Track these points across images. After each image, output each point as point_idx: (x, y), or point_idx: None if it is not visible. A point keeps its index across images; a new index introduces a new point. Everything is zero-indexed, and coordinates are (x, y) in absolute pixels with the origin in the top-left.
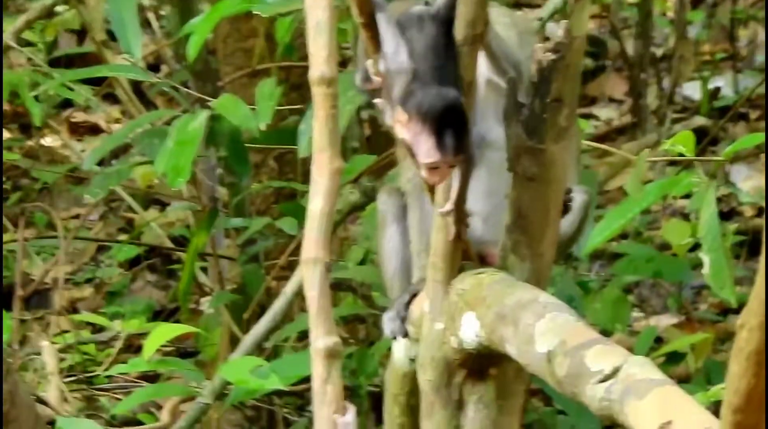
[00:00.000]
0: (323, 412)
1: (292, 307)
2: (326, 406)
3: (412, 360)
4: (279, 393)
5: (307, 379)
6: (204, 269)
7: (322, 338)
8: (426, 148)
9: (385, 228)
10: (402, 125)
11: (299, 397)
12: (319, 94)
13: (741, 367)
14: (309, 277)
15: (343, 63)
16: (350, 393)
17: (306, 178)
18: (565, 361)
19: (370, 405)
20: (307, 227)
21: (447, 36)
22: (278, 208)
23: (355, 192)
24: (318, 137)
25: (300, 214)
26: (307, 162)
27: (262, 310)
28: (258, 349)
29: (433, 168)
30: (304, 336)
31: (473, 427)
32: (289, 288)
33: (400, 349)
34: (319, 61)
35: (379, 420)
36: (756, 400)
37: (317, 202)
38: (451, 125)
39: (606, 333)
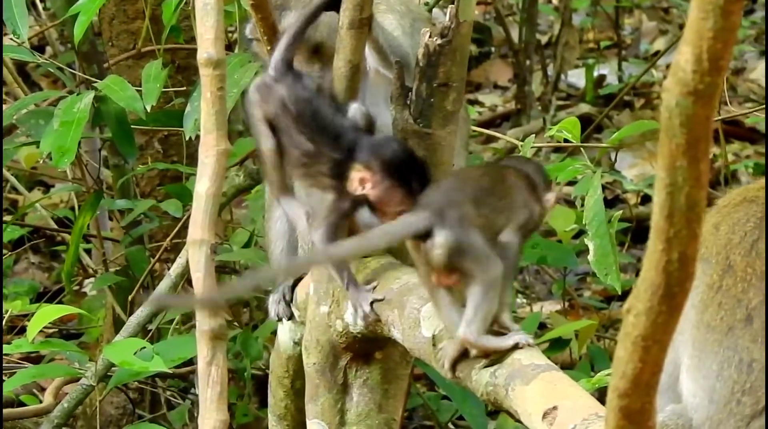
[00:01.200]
0: (208, 394)
1: (177, 289)
2: (211, 388)
3: (297, 343)
4: (163, 375)
5: (190, 362)
6: (88, 251)
7: (207, 320)
8: (399, 198)
9: (272, 211)
10: (364, 181)
11: (183, 380)
12: (206, 75)
13: (627, 351)
14: (195, 258)
15: (230, 46)
16: (234, 376)
17: (191, 161)
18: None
19: (254, 388)
20: (194, 209)
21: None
22: (163, 190)
23: (241, 175)
24: (205, 119)
25: (185, 197)
26: (192, 144)
27: (146, 291)
28: (142, 331)
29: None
30: (188, 319)
31: (358, 411)
32: (173, 270)
33: (284, 332)
34: (207, 43)
35: (264, 403)
36: (642, 384)
37: (204, 183)
38: (414, 172)
39: None
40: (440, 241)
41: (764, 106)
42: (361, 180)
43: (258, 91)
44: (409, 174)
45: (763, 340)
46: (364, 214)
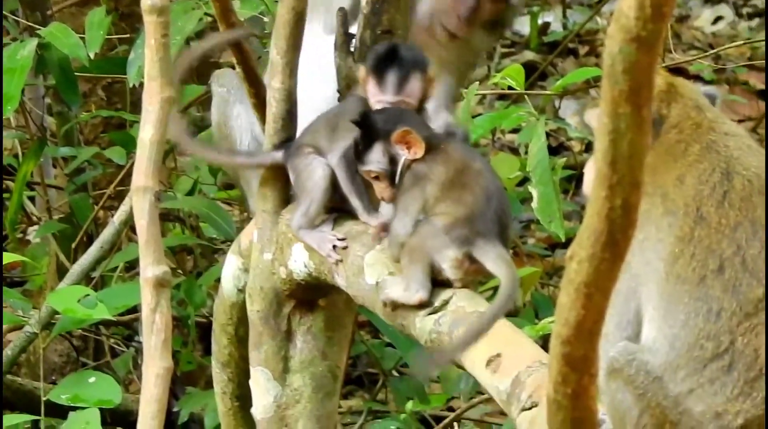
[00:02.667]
0: (152, 341)
1: (121, 236)
2: (155, 336)
3: (241, 290)
4: (106, 323)
5: (134, 309)
6: (32, 199)
7: (151, 267)
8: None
9: (230, 106)
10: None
11: (126, 328)
12: (150, 22)
13: (570, 298)
14: (139, 206)
15: None
16: (178, 323)
17: (134, 108)
18: None
19: (198, 336)
20: (138, 156)
21: None
22: (107, 137)
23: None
24: (149, 66)
25: (128, 144)
26: (135, 91)
27: (90, 239)
28: (86, 279)
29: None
30: (131, 266)
31: (302, 358)
32: (117, 217)
33: (228, 280)
34: None
35: (208, 351)
36: (585, 331)
37: (148, 130)
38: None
39: None
40: None
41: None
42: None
43: None
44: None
45: (735, 288)
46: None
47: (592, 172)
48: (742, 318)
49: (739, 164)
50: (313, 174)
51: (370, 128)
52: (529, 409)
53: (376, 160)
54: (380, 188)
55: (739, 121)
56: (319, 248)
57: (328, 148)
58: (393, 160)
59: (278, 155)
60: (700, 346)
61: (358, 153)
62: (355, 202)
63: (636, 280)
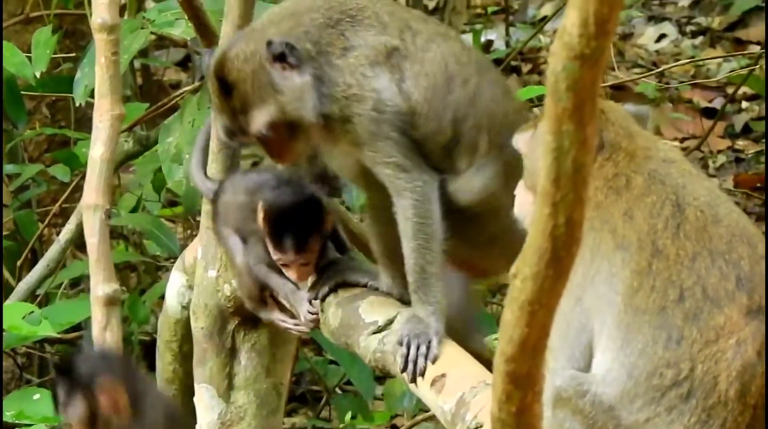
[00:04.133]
0: None
1: (66, 254)
2: None
3: (185, 307)
4: (51, 340)
5: (79, 327)
6: None
7: (102, 285)
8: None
9: None
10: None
11: (71, 345)
12: (100, 40)
13: (514, 316)
14: (89, 223)
15: (121, 11)
16: (122, 341)
17: (79, 126)
18: (338, 311)
19: (142, 353)
20: (88, 173)
21: None
22: (51, 155)
23: (130, 140)
24: (99, 84)
25: (73, 162)
26: (79, 109)
27: (34, 256)
28: (31, 296)
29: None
30: (76, 283)
31: (246, 375)
32: (62, 235)
33: (173, 297)
34: (101, 8)
35: (152, 367)
36: (529, 349)
37: (98, 148)
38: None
39: None
40: None
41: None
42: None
43: None
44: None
45: (695, 316)
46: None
47: (523, 195)
48: (702, 345)
49: (688, 194)
50: (236, 258)
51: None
52: None
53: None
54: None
55: (683, 139)
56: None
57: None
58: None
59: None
60: (659, 374)
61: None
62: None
63: (588, 314)
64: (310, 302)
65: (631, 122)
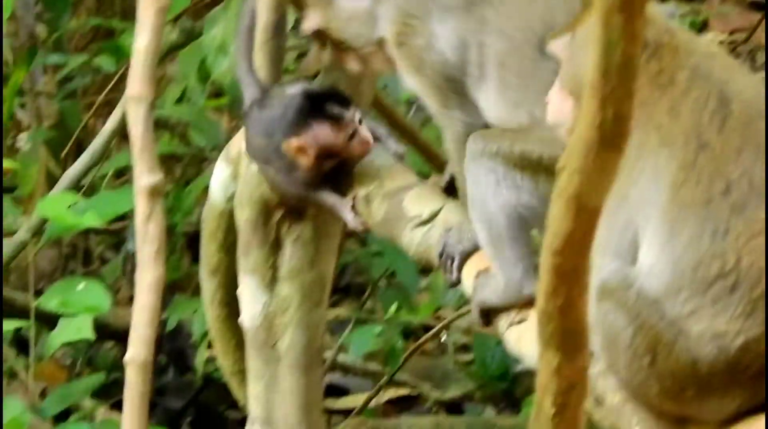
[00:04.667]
0: (145, 251)
1: (111, 144)
2: (148, 244)
3: (230, 198)
4: (96, 230)
5: (124, 217)
6: (22, 106)
7: (145, 175)
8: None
9: None
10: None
11: (116, 235)
12: None
13: (561, 210)
14: (133, 114)
15: None
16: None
17: (124, 16)
18: (383, 203)
19: (186, 243)
20: (133, 64)
21: None
22: (97, 45)
23: (175, 31)
24: None
25: (118, 52)
26: (125, 0)
27: (79, 147)
28: (75, 187)
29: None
30: (120, 174)
31: (290, 266)
32: (108, 125)
33: (217, 187)
34: None
35: (195, 258)
36: (575, 243)
37: (143, 38)
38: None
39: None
40: None
41: None
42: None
43: None
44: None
45: (742, 209)
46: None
47: (559, 102)
48: (748, 237)
49: (732, 89)
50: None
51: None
52: (518, 323)
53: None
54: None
55: (731, 33)
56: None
57: None
58: None
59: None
60: (704, 266)
61: None
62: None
63: (633, 210)
64: (353, 207)
65: (666, 19)
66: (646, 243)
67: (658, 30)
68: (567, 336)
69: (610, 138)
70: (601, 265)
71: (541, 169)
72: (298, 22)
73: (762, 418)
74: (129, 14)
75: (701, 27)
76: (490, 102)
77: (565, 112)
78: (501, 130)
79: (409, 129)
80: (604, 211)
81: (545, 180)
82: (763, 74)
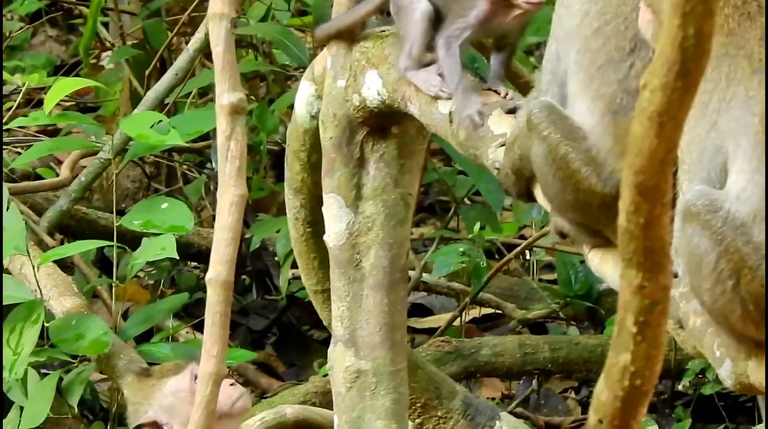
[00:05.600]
0: (226, 169)
1: (195, 63)
2: (230, 163)
3: (314, 117)
4: (179, 149)
5: (207, 136)
6: (105, 24)
7: (227, 94)
8: None
9: None
10: None
11: (199, 154)
12: None
13: (643, 127)
14: (215, 32)
15: None
16: (250, 150)
17: None
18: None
19: (270, 162)
20: None
21: None
22: None
23: None
24: None
25: None
26: None
27: (163, 65)
28: (160, 105)
29: None
30: (204, 92)
31: (374, 185)
32: (191, 44)
33: (301, 106)
34: None
35: (279, 177)
36: (657, 161)
37: None
38: None
39: None
40: None
41: None
42: None
43: None
44: None
45: None
46: None
47: (644, 14)
48: None
49: None
50: (413, 13)
51: None
52: None
53: None
54: None
55: None
56: (426, 89)
57: None
58: None
59: None
60: None
61: None
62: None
63: (723, 136)
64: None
65: None
66: (736, 168)
67: None
68: (649, 254)
69: (691, 56)
70: (688, 189)
71: None
72: None
73: None
74: None
75: None
76: None
77: (648, 24)
78: None
79: None
80: (694, 137)
81: None
82: None
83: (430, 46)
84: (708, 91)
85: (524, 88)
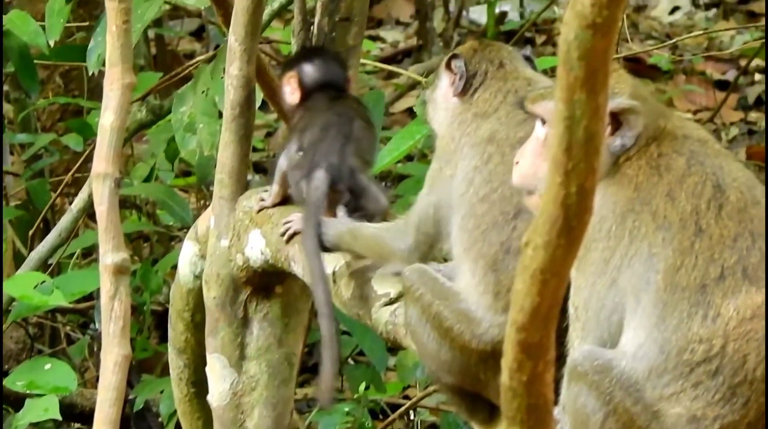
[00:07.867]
0: (110, 329)
1: (78, 223)
2: (113, 323)
3: (198, 276)
4: (62, 310)
5: (90, 297)
6: None
7: (111, 254)
8: None
9: None
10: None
11: (82, 315)
12: (111, 9)
13: (525, 285)
14: (99, 192)
15: None
16: (134, 310)
17: (92, 95)
18: (351, 282)
19: (154, 322)
20: (98, 142)
21: None
22: (64, 124)
23: (143, 110)
24: (110, 52)
25: (85, 131)
26: (92, 79)
27: (47, 226)
28: (43, 266)
29: None
30: (88, 253)
31: (258, 345)
32: (75, 204)
33: (185, 266)
34: None
35: (163, 338)
36: (540, 318)
37: (108, 116)
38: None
39: None
40: None
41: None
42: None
43: None
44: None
45: (734, 295)
46: None
47: (530, 165)
48: (737, 323)
49: (726, 175)
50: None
51: None
52: None
53: None
54: None
55: (696, 112)
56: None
57: None
58: None
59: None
60: (691, 349)
61: None
62: None
63: (622, 293)
64: None
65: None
66: (634, 325)
67: (656, 112)
68: (532, 412)
69: (574, 213)
70: (578, 346)
71: None
72: (265, 101)
73: None
74: (97, 93)
75: (666, 106)
76: None
77: (537, 175)
78: None
79: None
80: (593, 294)
81: None
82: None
83: None
84: (610, 248)
85: None
